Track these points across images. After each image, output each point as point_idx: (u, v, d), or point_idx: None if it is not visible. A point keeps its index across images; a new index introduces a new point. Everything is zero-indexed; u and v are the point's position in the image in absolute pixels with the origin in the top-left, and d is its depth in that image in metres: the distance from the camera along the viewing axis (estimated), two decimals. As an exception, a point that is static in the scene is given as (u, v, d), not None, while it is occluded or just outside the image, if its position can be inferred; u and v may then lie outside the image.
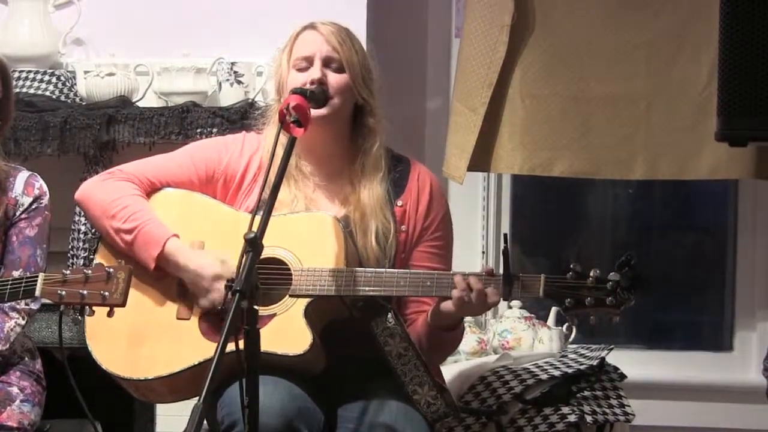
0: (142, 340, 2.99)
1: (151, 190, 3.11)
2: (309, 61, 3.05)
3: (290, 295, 2.93)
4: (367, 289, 2.92)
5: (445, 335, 3.04)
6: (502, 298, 2.91)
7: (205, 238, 3.02)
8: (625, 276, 2.84)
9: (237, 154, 3.12)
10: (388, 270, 2.95)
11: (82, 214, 3.86)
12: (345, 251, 2.95)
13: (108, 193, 3.07)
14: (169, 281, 3.01)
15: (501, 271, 2.90)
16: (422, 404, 2.94)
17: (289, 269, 2.95)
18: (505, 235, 2.98)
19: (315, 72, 3.04)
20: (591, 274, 2.86)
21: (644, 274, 2.86)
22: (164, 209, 3.07)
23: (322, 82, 3.02)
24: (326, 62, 3.05)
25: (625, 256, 2.85)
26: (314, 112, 2.98)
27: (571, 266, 2.88)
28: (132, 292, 2.91)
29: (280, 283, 2.95)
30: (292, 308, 2.91)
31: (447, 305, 2.92)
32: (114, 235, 3.04)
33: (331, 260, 2.94)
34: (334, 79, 3.04)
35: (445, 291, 2.90)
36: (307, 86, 3.01)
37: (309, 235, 2.98)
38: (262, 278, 2.92)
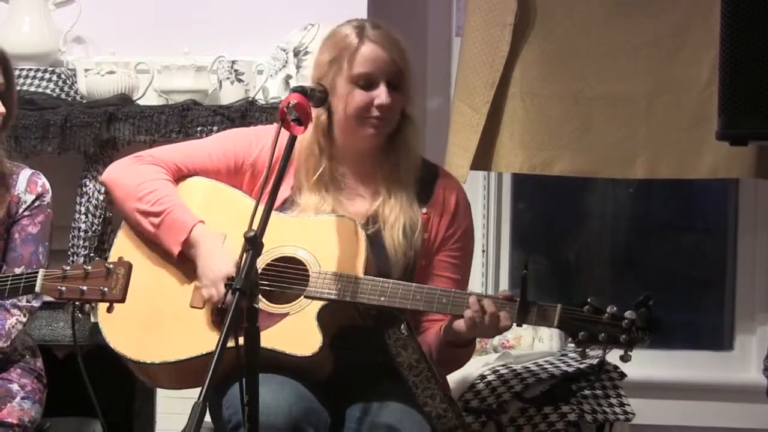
0: (153, 325, 2.98)
1: (178, 176, 3.10)
2: (371, 78, 3.01)
3: (305, 296, 2.92)
4: (382, 299, 2.91)
5: (456, 351, 3.03)
6: (515, 324, 2.90)
7: (227, 231, 3.00)
8: (641, 316, 2.82)
9: (267, 147, 3.07)
10: (404, 283, 2.94)
11: (83, 212, 3.86)
12: (365, 258, 2.94)
13: (136, 176, 3.07)
14: (188, 268, 3.01)
15: (511, 290, 2.90)
16: (433, 416, 2.92)
17: (307, 270, 2.94)
18: (526, 262, 2.97)
19: (383, 97, 2.99)
20: (607, 310, 2.84)
21: (659, 317, 2.84)
22: (190, 198, 3.06)
23: (389, 108, 3.00)
24: (389, 82, 3.02)
25: (643, 296, 2.84)
26: (377, 133, 3.00)
27: (589, 299, 2.86)
28: (148, 276, 2.92)
29: (297, 283, 2.94)
30: (306, 309, 2.91)
31: (459, 324, 2.91)
32: (140, 217, 3.03)
33: (350, 266, 2.93)
34: (395, 101, 3.02)
35: (460, 310, 2.89)
36: (373, 110, 2.99)
37: (332, 238, 2.96)
38: (280, 276, 2.94)
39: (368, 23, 3.07)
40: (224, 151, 3.12)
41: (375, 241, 3.01)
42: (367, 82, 3.01)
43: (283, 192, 3.00)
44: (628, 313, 2.83)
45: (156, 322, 2.99)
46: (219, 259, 2.94)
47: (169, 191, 3.05)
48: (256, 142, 3.11)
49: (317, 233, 2.99)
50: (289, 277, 2.95)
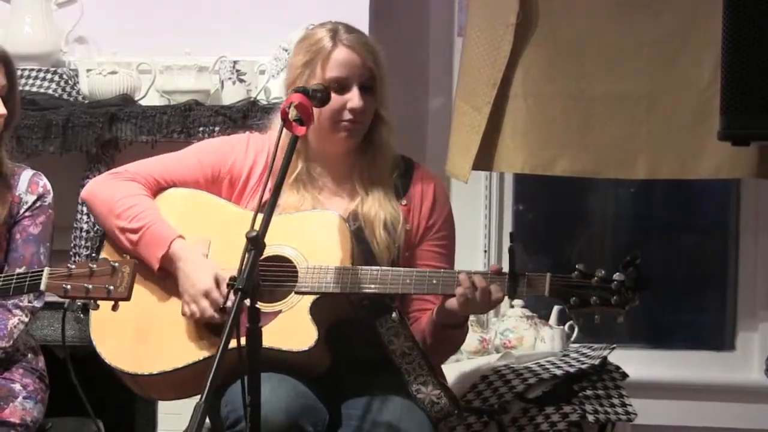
0: (146, 336, 2.98)
1: (157, 189, 3.11)
2: (344, 82, 3.03)
3: (296, 292, 2.93)
4: (372, 287, 2.92)
5: (450, 333, 3.04)
6: (507, 296, 2.91)
7: (211, 237, 3.02)
8: (629, 276, 2.84)
9: (242, 154, 3.11)
10: (393, 269, 2.95)
11: (85, 212, 3.87)
12: (351, 250, 2.95)
13: (114, 192, 3.07)
14: (175, 277, 3.01)
15: (506, 269, 2.91)
16: (426, 403, 2.95)
17: (295, 267, 2.95)
18: (512, 233, 2.98)
19: (356, 100, 3.01)
20: (596, 273, 2.87)
21: (648, 275, 2.85)
22: (171, 207, 3.06)
23: (362, 111, 3.02)
24: (362, 86, 3.04)
25: (630, 256, 2.85)
26: (349, 136, 3.02)
27: (577, 266, 2.88)
28: (138, 287, 2.91)
29: (286, 281, 2.95)
30: (298, 305, 2.92)
31: (452, 303, 2.92)
32: (119, 234, 3.04)
33: (337, 258, 2.94)
34: (368, 104, 3.04)
35: (451, 289, 2.90)
36: (346, 113, 3.01)
37: (316, 233, 2.98)
38: (268, 275, 2.94)
39: (342, 26, 3.09)
40: (201, 161, 3.13)
41: (358, 239, 3.02)
42: (340, 86, 3.03)
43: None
44: (616, 275, 2.85)
45: (149, 332, 2.99)
46: (198, 273, 2.94)
47: (148, 206, 3.05)
48: (231, 150, 3.13)
49: (301, 229, 3.00)
50: (277, 275, 2.95)
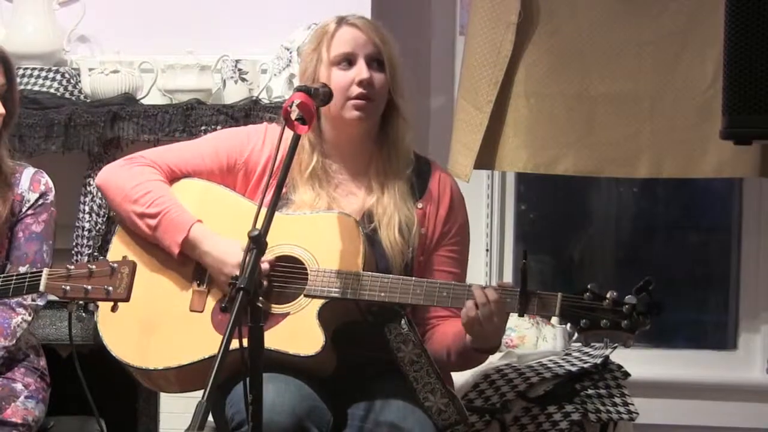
0: (153, 330, 2.98)
1: (171, 177, 3.09)
2: (349, 57, 3.02)
3: (305, 295, 2.92)
4: (382, 294, 2.90)
5: (478, 355, 3.00)
6: (517, 314, 2.88)
7: (223, 232, 3.00)
8: (642, 300, 2.81)
9: (259, 146, 3.08)
10: (404, 278, 2.93)
11: (87, 211, 3.87)
12: (363, 255, 2.93)
13: (130, 178, 3.05)
14: (186, 272, 3.01)
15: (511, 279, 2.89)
16: (433, 411, 2.92)
17: (305, 269, 2.94)
18: (525, 251, 2.95)
19: (363, 72, 3.00)
20: (608, 296, 2.83)
21: (661, 301, 2.82)
22: (183, 199, 3.05)
23: (370, 83, 3.00)
24: (369, 60, 3.02)
25: (643, 281, 2.82)
26: (362, 115, 2.99)
27: (588, 287, 2.84)
28: (146, 281, 2.91)
29: (296, 282, 2.94)
30: (306, 308, 2.90)
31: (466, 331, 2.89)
32: (137, 219, 3.02)
33: (348, 262, 2.92)
34: (377, 79, 3.02)
35: (460, 303, 2.88)
36: (354, 88, 2.99)
37: (329, 235, 2.95)
38: (278, 276, 2.93)
39: (350, 15, 3.09)
40: (216, 151, 3.11)
41: (372, 240, 3.01)
42: (346, 63, 3.02)
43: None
44: (628, 298, 2.82)
45: (156, 327, 2.98)
46: (227, 251, 2.94)
47: (165, 192, 3.04)
48: (248, 141, 3.10)
49: (314, 231, 2.98)
50: (287, 276, 2.94)
